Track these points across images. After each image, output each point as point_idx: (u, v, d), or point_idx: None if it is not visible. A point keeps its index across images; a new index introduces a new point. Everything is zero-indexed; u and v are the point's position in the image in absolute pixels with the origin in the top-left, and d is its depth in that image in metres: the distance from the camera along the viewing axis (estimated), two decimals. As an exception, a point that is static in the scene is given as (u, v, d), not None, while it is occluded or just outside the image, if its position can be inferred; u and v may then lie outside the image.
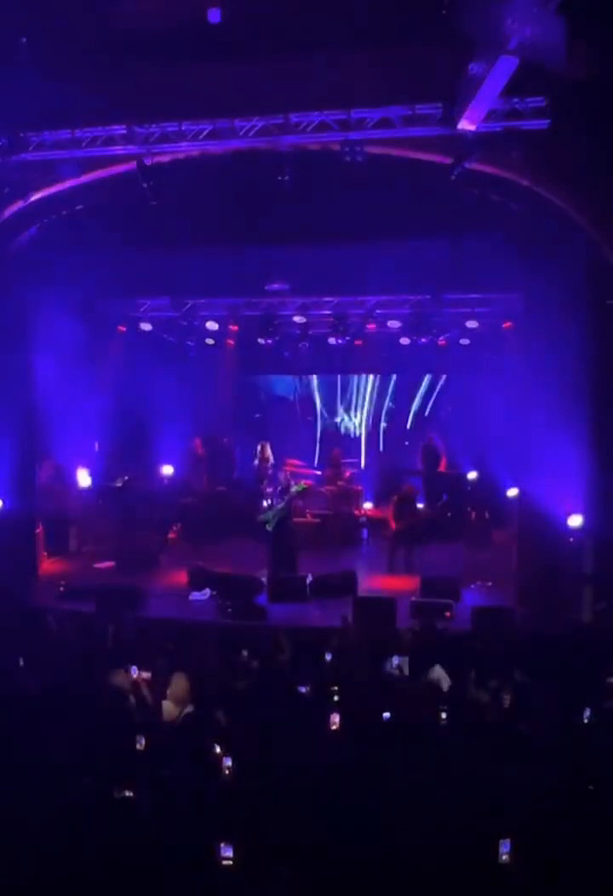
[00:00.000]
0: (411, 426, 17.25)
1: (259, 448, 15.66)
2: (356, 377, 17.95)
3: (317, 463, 16.17)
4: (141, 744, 5.91)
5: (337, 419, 18.31)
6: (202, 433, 16.11)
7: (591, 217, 9.19)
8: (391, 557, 12.62)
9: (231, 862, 4.40)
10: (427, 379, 17.17)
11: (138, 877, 4.28)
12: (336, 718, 6.00)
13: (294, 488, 12.14)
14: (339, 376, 17.97)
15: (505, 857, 4.32)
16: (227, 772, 5.31)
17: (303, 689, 7.12)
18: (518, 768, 5.56)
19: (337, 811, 5.00)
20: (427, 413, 16.82)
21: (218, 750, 5.75)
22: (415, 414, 17.34)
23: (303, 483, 13.56)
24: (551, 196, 9.23)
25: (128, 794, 5.07)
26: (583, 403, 9.89)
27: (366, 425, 18.10)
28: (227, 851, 4.42)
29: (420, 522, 13.14)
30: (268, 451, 15.50)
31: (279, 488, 12.15)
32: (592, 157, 8.50)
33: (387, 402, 17.75)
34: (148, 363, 15.33)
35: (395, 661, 7.61)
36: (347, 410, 18.33)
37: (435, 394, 17.07)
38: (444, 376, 16.44)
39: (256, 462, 15.64)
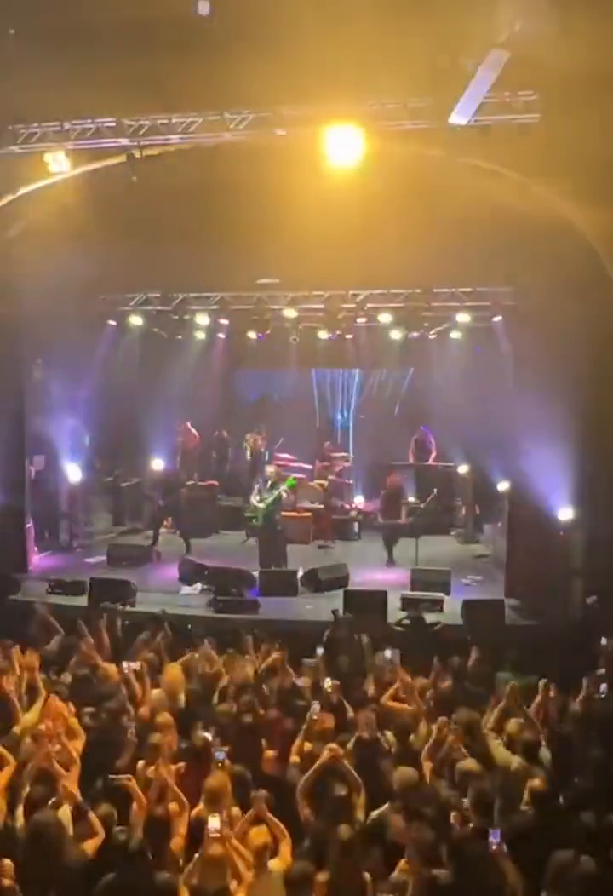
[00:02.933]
0: (399, 420, 17.23)
1: (251, 440, 15.55)
2: (345, 371, 17.95)
3: (309, 457, 16.16)
4: (131, 734, 5.93)
5: (329, 413, 18.31)
6: (193, 424, 16.04)
7: (581, 211, 9.20)
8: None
9: (218, 834, 4.43)
10: (415, 372, 17.16)
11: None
12: (317, 707, 6.00)
13: (282, 485, 12.13)
14: (329, 370, 17.96)
15: (494, 847, 4.35)
16: (220, 765, 5.31)
17: (299, 682, 7.14)
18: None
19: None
20: (415, 406, 16.79)
21: (209, 737, 5.77)
22: (404, 407, 17.33)
23: (293, 478, 13.55)
24: (542, 190, 9.24)
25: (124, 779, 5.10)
26: (574, 397, 9.92)
27: (356, 419, 18.10)
28: (215, 824, 4.45)
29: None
30: (261, 444, 15.43)
31: (268, 483, 12.14)
32: (582, 150, 8.50)
33: (376, 396, 17.75)
34: (138, 357, 15.30)
35: (388, 654, 7.64)
36: (338, 404, 18.32)
37: (423, 387, 17.06)
38: (433, 370, 16.43)
39: (248, 455, 15.58)
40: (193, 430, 15.79)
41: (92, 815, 4.82)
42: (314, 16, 7.87)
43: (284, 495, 12.30)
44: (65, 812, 4.81)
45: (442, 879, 4.32)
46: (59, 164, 9.51)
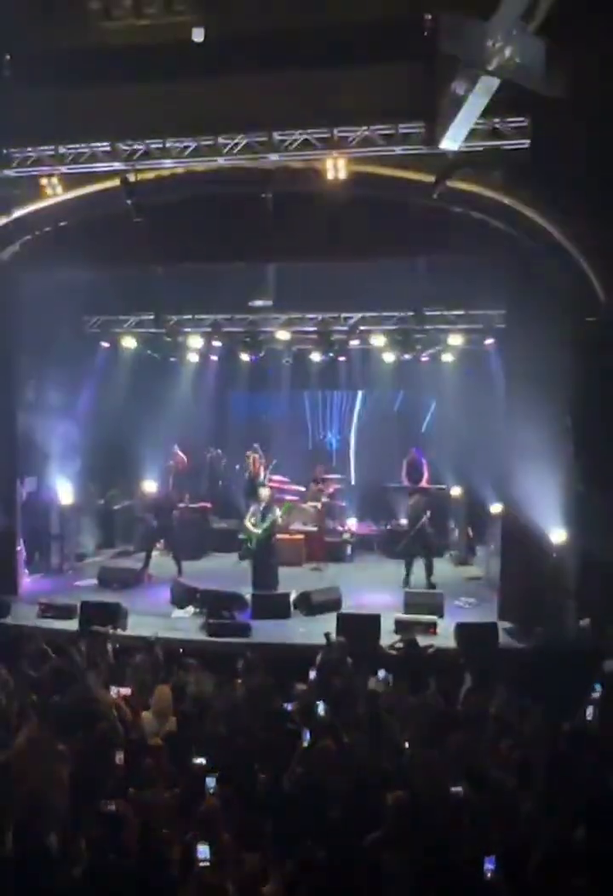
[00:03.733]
0: (392, 442, 17.26)
1: (250, 461, 15.40)
2: (339, 393, 18.01)
3: (302, 479, 16.15)
4: (119, 760, 5.86)
5: (322, 435, 18.33)
6: (183, 446, 16.01)
7: (571, 235, 9.30)
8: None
9: (208, 863, 4.38)
10: (407, 394, 17.20)
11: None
12: (307, 735, 5.95)
13: (278, 511, 12.08)
14: (323, 392, 18.02)
15: (489, 875, 4.30)
16: (212, 792, 5.26)
17: (288, 707, 7.09)
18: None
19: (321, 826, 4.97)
20: (408, 428, 16.84)
21: (203, 762, 5.71)
22: (396, 429, 17.36)
23: (288, 500, 13.47)
24: (532, 214, 9.34)
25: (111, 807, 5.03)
26: (566, 419, 9.96)
27: (350, 441, 18.12)
28: (203, 852, 4.40)
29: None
30: (259, 464, 15.32)
31: (262, 506, 12.10)
32: (572, 176, 8.61)
33: (369, 419, 17.79)
34: (131, 379, 15.31)
35: (381, 675, 7.60)
36: (331, 426, 18.36)
37: (415, 409, 17.13)
38: (426, 392, 16.52)
39: (247, 475, 15.47)
40: (181, 454, 15.72)
41: (80, 840, 4.75)
42: (307, 42, 7.99)
43: (280, 521, 12.29)
44: (53, 837, 4.74)
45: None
46: (53, 188, 9.58)
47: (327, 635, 9.10)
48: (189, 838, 4.91)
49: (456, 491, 14.87)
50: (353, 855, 4.80)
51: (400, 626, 10.05)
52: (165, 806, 5.19)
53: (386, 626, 9.94)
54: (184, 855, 4.68)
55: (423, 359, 15.36)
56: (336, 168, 8.91)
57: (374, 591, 12.32)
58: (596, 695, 7.16)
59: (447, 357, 15.14)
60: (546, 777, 5.65)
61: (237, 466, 16.10)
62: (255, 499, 12.39)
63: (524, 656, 9.41)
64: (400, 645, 9.32)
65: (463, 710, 7.17)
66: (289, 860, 4.62)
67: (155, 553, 13.63)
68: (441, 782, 5.53)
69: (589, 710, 6.80)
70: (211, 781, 5.31)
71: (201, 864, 4.39)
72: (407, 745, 6.37)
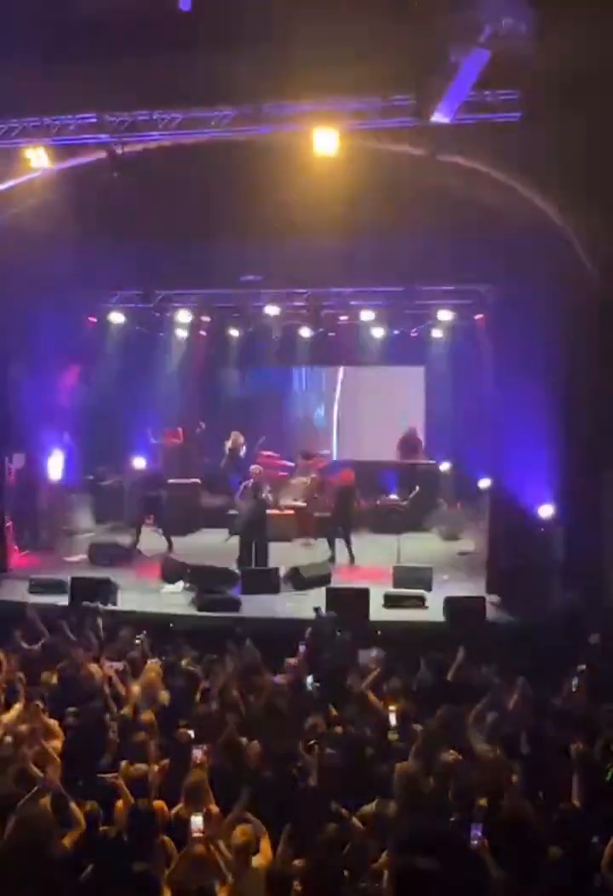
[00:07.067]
0: (381, 417, 17.27)
1: (232, 437, 15.55)
2: (328, 368, 17.97)
3: (291, 454, 16.17)
4: (113, 733, 5.90)
5: (312, 410, 18.32)
6: (174, 425, 16.02)
7: (562, 209, 9.27)
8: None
9: (201, 833, 4.43)
10: (397, 370, 17.19)
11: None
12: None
13: (263, 495, 12.08)
14: (313, 368, 17.98)
15: (475, 842, 4.38)
16: (199, 763, 5.31)
17: (280, 680, 7.14)
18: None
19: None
20: (397, 404, 16.84)
21: (192, 734, 5.76)
22: (384, 405, 17.35)
23: (276, 475, 13.47)
24: (523, 188, 9.29)
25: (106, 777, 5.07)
26: (555, 395, 9.99)
27: (338, 417, 18.12)
28: (198, 822, 4.46)
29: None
30: (240, 440, 15.43)
31: (250, 483, 12.12)
32: (563, 149, 8.56)
33: (358, 394, 17.78)
34: (119, 354, 15.23)
35: (373, 653, 7.66)
36: (320, 402, 18.34)
37: (404, 385, 17.12)
38: (415, 367, 16.51)
39: (227, 451, 15.56)
40: (168, 431, 15.71)
41: (73, 807, 4.80)
42: (297, 13, 7.87)
43: (270, 498, 12.34)
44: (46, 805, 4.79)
45: (424, 870, 4.32)
46: (39, 160, 9.44)
47: (317, 609, 9.16)
48: (180, 810, 4.97)
49: (445, 466, 14.92)
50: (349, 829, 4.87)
51: (390, 601, 10.12)
52: (156, 779, 5.24)
53: (376, 600, 10.01)
54: (177, 827, 4.74)
55: (413, 334, 15.34)
56: (326, 141, 8.81)
57: (364, 565, 12.40)
58: (582, 668, 7.25)
59: (437, 332, 15.13)
60: (531, 749, 5.74)
61: (226, 442, 16.10)
62: (239, 474, 12.43)
63: (511, 630, 9.51)
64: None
65: (453, 683, 7.24)
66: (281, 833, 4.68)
67: (145, 529, 13.64)
68: (431, 754, 5.60)
69: (574, 682, 6.89)
70: (197, 753, 5.35)
71: (196, 834, 4.44)
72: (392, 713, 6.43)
